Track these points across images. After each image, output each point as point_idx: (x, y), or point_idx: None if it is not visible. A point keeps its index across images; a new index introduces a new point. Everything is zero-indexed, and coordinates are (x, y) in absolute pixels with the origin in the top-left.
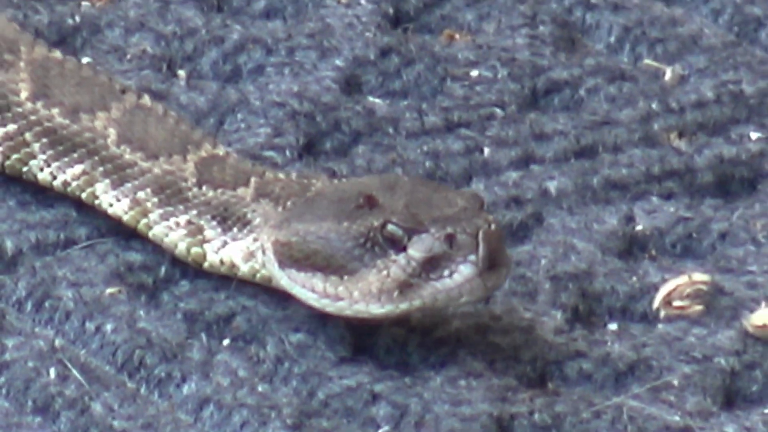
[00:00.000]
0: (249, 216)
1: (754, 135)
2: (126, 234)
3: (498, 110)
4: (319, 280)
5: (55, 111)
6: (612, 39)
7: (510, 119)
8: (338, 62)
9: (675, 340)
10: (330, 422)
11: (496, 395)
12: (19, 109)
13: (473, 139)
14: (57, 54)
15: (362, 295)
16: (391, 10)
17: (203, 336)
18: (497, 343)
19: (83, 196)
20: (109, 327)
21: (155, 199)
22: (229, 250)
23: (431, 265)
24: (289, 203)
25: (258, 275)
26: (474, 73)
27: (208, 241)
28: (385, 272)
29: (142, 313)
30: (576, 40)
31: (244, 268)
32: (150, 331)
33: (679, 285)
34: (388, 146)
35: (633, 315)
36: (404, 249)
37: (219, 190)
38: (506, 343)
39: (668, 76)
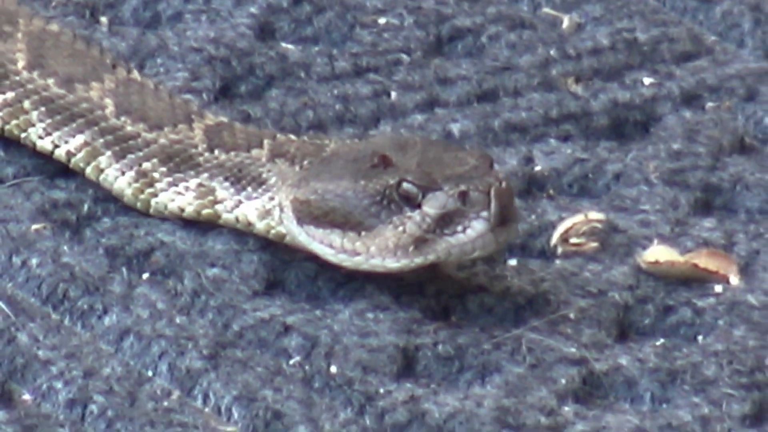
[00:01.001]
0: (264, 176)
1: (647, 80)
2: (51, 173)
3: (404, 56)
4: (337, 236)
5: (50, 81)
6: None
7: (416, 65)
8: (253, 9)
9: (571, 275)
10: (244, 353)
11: (401, 327)
12: (17, 78)
13: (381, 83)
14: (54, 26)
15: (379, 250)
16: None
17: (124, 270)
18: (403, 278)
19: (89, 170)
20: (34, 261)
21: (163, 169)
22: (244, 209)
23: (445, 221)
24: (305, 163)
25: (272, 232)
26: (382, 20)
27: (220, 202)
28: (401, 228)
29: (65, 248)
30: None
31: (259, 226)
32: (73, 266)
33: (576, 223)
34: (300, 90)
35: (531, 251)
36: (419, 206)
37: (232, 153)
38: (411, 278)
39: (566, 24)
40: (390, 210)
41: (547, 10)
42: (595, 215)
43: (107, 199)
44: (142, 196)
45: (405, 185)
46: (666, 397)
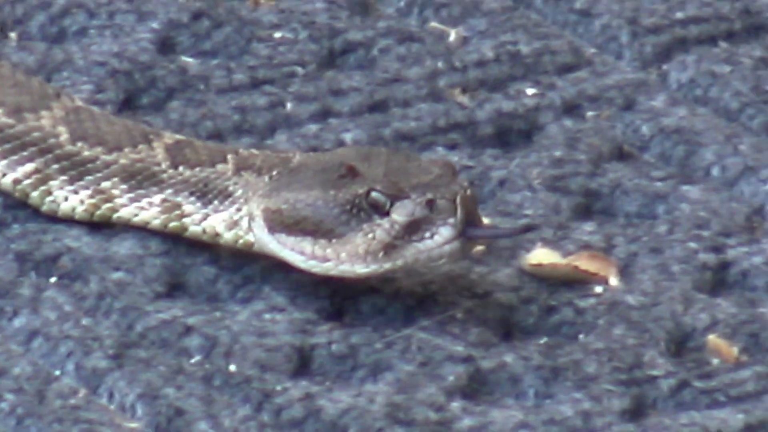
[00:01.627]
0: (231, 188)
1: (530, 91)
2: None
3: (299, 68)
4: (308, 243)
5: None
6: (401, 4)
7: (310, 77)
8: (154, 25)
9: (458, 277)
10: (147, 352)
11: (297, 328)
12: None
13: (276, 94)
14: None
15: (349, 257)
16: None
17: (32, 274)
18: (299, 280)
19: (34, 195)
20: None
21: (124, 186)
22: (212, 221)
23: (413, 228)
24: (274, 173)
25: (240, 241)
26: (277, 34)
27: (187, 215)
28: (370, 235)
29: None
30: (369, 5)
31: (227, 236)
32: None
33: None
34: (200, 101)
35: None
36: (387, 214)
37: (197, 169)
38: (306, 281)
39: (452, 37)
40: (360, 218)
41: (434, 24)
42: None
43: (16, 206)
44: (98, 212)
45: (374, 194)
46: (549, 393)
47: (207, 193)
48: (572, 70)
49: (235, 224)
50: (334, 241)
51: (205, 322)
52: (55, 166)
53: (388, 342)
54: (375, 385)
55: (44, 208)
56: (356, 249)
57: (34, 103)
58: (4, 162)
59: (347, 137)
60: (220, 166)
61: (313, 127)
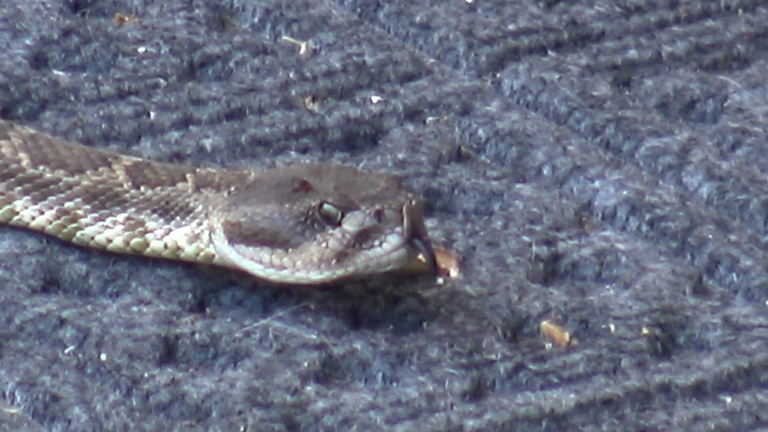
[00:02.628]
0: (192, 205)
1: (375, 98)
2: None
3: (161, 80)
4: (266, 253)
5: None
6: (256, 20)
7: (172, 88)
8: (28, 41)
9: None
10: (25, 344)
11: (163, 319)
12: None
13: (141, 104)
14: None
15: (304, 264)
16: None
17: None
18: (164, 276)
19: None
20: None
21: (87, 206)
22: (174, 236)
23: (363, 236)
24: (232, 189)
25: (201, 254)
26: (141, 49)
27: (150, 231)
28: (324, 244)
29: None
30: (226, 21)
31: (188, 250)
32: None
33: None
34: (71, 112)
35: None
36: (339, 224)
37: (158, 188)
38: (171, 275)
39: (303, 50)
40: (313, 229)
41: (286, 38)
42: None
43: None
44: (64, 230)
45: (326, 206)
46: (396, 377)
47: (169, 210)
48: (413, 78)
49: (196, 238)
50: (290, 250)
51: (77, 315)
52: (19, 188)
53: (247, 331)
54: (235, 371)
55: (12, 223)
56: (311, 257)
57: None
58: None
59: (206, 143)
60: (180, 185)
61: (175, 134)
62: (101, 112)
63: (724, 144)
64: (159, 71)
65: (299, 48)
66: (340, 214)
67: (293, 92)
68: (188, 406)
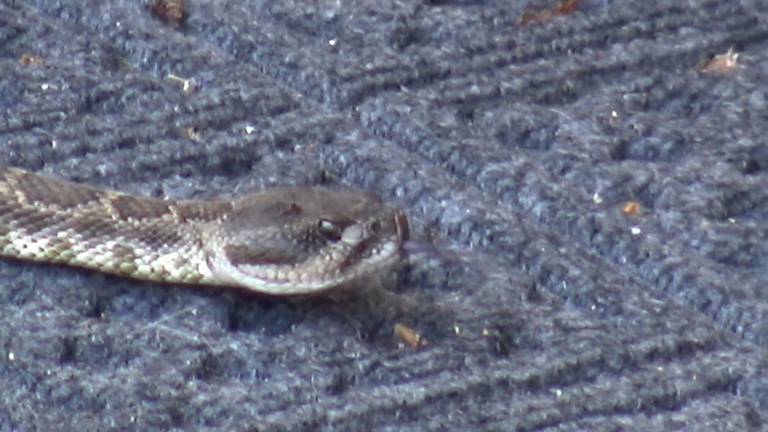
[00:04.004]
0: (179, 234)
1: (249, 129)
2: None
3: (62, 113)
4: (272, 269)
5: None
6: (144, 60)
7: (71, 120)
8: None
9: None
10: None
11: (63, 323)
12: None
13: (45, 135)
14: None
15: (309, 276)
16: None
17: None
18: (64, 285)
19: None
20: None
21: (79, 236)
22: (161, 261)
23: (361, 247)
24: (224, 217)
25: (189, 276)
26: (45, 86)
27: (138, 257)
28: (327, 257)
29: None
30: (119, 61)
31: (175, 273)
32: None
33: None
34: None
35: None
36: (339, 238)
37: (144, 219)
38: (70, 284)
39: (186, 86)
40: (315, 244)
41: (171, 76)
42: None
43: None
44: (57, 257)
45: (325, 224)
46: (267, 373)
47: (156, 239)
48: (283, 111)
49: (183, 262)
50: (296, 265)
51: None
52: (15, 221)
53: (137, 333)
54: (127, 368)
55: (3, 252)
56: (316, 270)
57: None
58: None
59: (102, 169)
60: (165, 216)
61: (74, 161)
62: (9, 142)
63: (555, 168)
64: (60, 105)
65: (183, 85)
66: (339, 229)
67: (177, 124)
68: (86, 399)
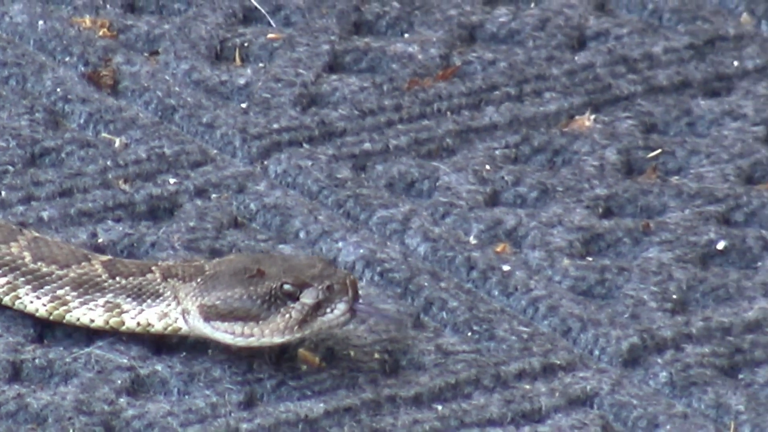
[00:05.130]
0: (161, 291)
1: (172, 180)
2: None
3: (10, 167)
4: (239, 326)
5: None
6: (81, 121)
7: (18, 173)
8: None
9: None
10: None
11: (11, 348)
12: None
13: None
14: None
15: (271, 332)
16: None
17: None
18: (11, 315)
19: (6, 299)
20: None
21: (74, 293)
22: (146, 315)
23: (317, 307)
24: (198, 280)
25: (169, 329)
26: None
27: (126, 312)
28: (287, 315)
29: None
30: (59, 122)
31: (158, 326)
32: None
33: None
34: None
35: None
36: (298, 299)
37: (131, 278)
38: (17, 314)
39: (117, 144)
40: (277, 304)
41: (104, 134)
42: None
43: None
44: (56, 312)
45: (285, 286)
46: (188, 391)
47: (141, 295)
48: (201, 165)
49: (165, 315)
50: (260, 322)
51: None
52: (22, 279)
53: (75, 357)
54: (66, 387)
55: (15, 307)
56: (277, 326)
57: (4, 238)
58: None
59: (44, 215)
60: (149, 275)
61: (20, 208)
62: None
63: (436, 214)
64: (8, 160)
65: (114, 142)
66: (297, 291)
67: (110, 176)
68: (30, 414)
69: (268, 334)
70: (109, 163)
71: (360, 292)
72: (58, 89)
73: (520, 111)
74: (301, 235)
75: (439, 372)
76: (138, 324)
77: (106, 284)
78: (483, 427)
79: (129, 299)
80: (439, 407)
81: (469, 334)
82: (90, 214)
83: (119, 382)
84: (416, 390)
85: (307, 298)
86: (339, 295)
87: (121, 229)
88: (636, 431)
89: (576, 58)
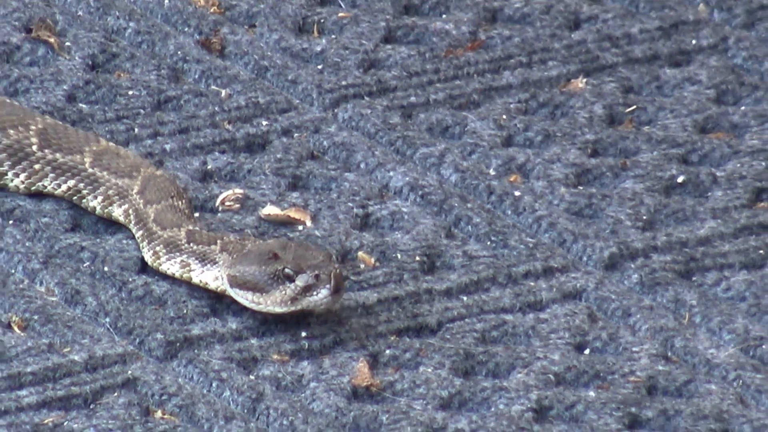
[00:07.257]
0: (218, 259)
1: (264, 122)
2: None
3: (142, 111)
4: (250, 294)
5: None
6: (196, 76)
7: (147, 115)
8: None
9: (220, 223)
10: None
11: (135, 247)
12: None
13: (129, 124)
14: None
15: (272, 303)
16: None
17: None
18: None
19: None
20: None
21: (165, 251)
22: (205, 276)
23: (307, 289)
24: (235, 255)
25: (220, 288)
26: (130, 92)
27: (193, 270)
28: (284, 292)
29: None
30: (179, 77)
31: (212, 285)
32: None
33: (227, 195)
34: None
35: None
36: (293, 281)
37: (201, 246)
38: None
39: (223, 94)
40: (278, 282)
41: (213, 87)
42: (238, 190)
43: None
44: (155, 263)
45: (287, 270)
46: None
47: (205, 259)
48: (287, 111)
49: (216, 278)
50: (264, 294)
51: None
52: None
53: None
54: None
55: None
56: (275, 299)
57: (19, 120)
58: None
59: (167, 147)
60: (213, 246)
61: (149, 141)
62: (106, 129)
63: (465, 151)
64: (140, 105)
65: (221, 93)
66: (294, 275)
67: (217, 119)
68: (154, 297)
69: (270, 304)
70: (216, 108)
71: (344, 280)
72: (179, 52)
73: (529, 75)
74: (362, 166)
75: (465, 271)
76: (200, 281)
77: (183, 247)
78: (498, 314)
79: (196, 261)
80: (464, 298)
81: (488, 243)
82: (201, 147)
83: None
84: (447, 285)
85: (300, 281)
86: (324, 282)
87: (225, 159)
88: (614, 319)
89: (572, 35)
